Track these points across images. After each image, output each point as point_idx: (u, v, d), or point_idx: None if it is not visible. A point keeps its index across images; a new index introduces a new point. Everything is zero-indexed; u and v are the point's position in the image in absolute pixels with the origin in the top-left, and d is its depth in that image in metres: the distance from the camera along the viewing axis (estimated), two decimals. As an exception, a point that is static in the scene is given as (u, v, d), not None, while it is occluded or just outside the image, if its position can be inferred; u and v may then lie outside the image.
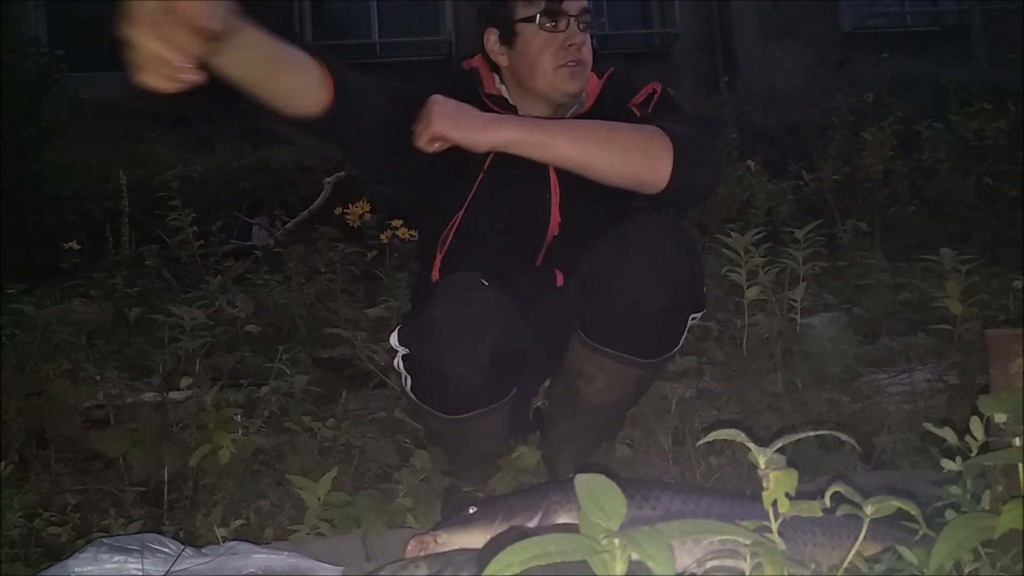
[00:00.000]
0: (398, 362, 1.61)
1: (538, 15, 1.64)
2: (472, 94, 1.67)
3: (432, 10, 9.47)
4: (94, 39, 8.94)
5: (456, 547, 1.28)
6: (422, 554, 1.29)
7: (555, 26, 1.64)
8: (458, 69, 1.78)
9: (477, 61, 1.75)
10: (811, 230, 2.50)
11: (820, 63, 8.96)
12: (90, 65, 8.16)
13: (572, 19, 1.64)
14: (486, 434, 1.65)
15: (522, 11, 1.65)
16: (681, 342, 1.63)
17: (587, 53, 1.67)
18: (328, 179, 5.92)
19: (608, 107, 1.70)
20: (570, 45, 1.63)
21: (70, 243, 3.98)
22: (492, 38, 1.70)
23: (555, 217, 1.68)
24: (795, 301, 2.44)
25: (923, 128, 4.86)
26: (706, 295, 1.63)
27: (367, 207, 3.81)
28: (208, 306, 2.62)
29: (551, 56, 1.64)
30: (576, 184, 1.60)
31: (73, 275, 3.78)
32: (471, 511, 1.35)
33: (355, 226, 3.84)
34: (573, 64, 1.64)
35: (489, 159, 1.63)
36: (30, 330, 2.56)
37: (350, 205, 3.82)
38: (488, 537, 1.27)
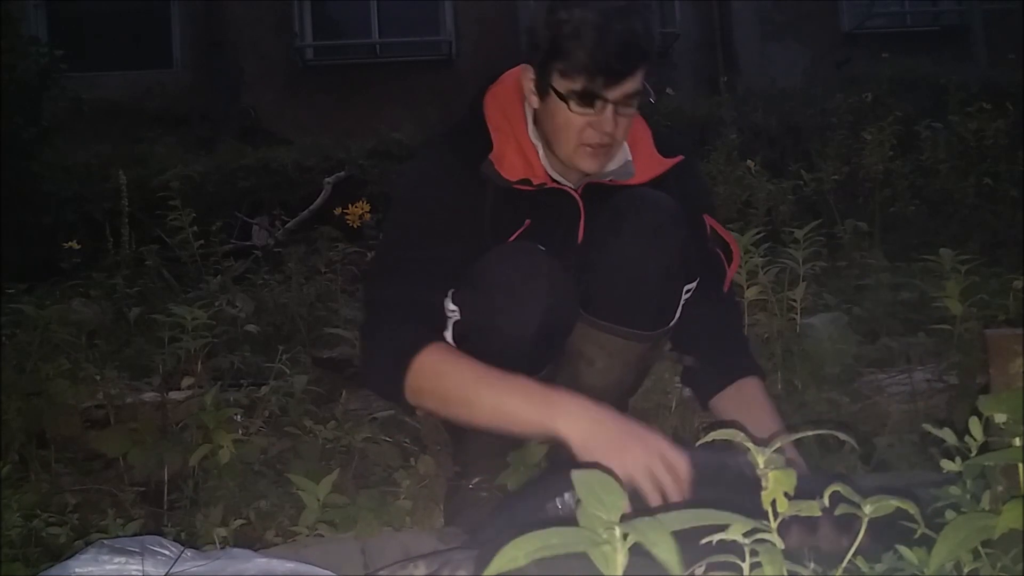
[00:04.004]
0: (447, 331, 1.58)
1: (571, 98, 1.48)
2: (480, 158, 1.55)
3: (432, 10, 9.47)
4: (94, 39, 8.97)
5: None
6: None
7: (588, 111, 1.49)
8: (476, 106, 1.63)
9: (512, 83, 1.61)
10: (811, 230, 2.51)
11: (820, 63, 8.95)
12: (90, 65, 8.18)
13: (610, 105, 1.47)
14: None
15: (558, 81, 1.48)
16: (676, 316, 1.64)
17: (622, 132, 1.54)
18: (328, 179, 5.94)
19: (673, 195, 1.61)
20: (599, 130, 1.50)
21: (70, 243, 3.97)
22: (528, 76, 1.55)
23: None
24: (795, 301, 2.44)
25: (923, 128, 4.86)
26: (697, 267, 1.63)
27: (367, 207, 3.80)
28: (208, 306, 2.62)
29: (575, 133, 1.51)
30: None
31: (73, 275, 3.77)
32: None
33: (355, 226, 3.83)
34: (596, 146, 1.52)
35: (524, 227, 1.60)
36: (30, 330, 2.55)
37: (350, 205, 3.81)
38: None
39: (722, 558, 0.77)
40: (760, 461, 0.82)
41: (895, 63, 7.26)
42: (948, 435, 1.03)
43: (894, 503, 0.86)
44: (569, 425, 1.32)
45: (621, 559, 0.60)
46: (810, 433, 0.96)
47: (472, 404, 1.43)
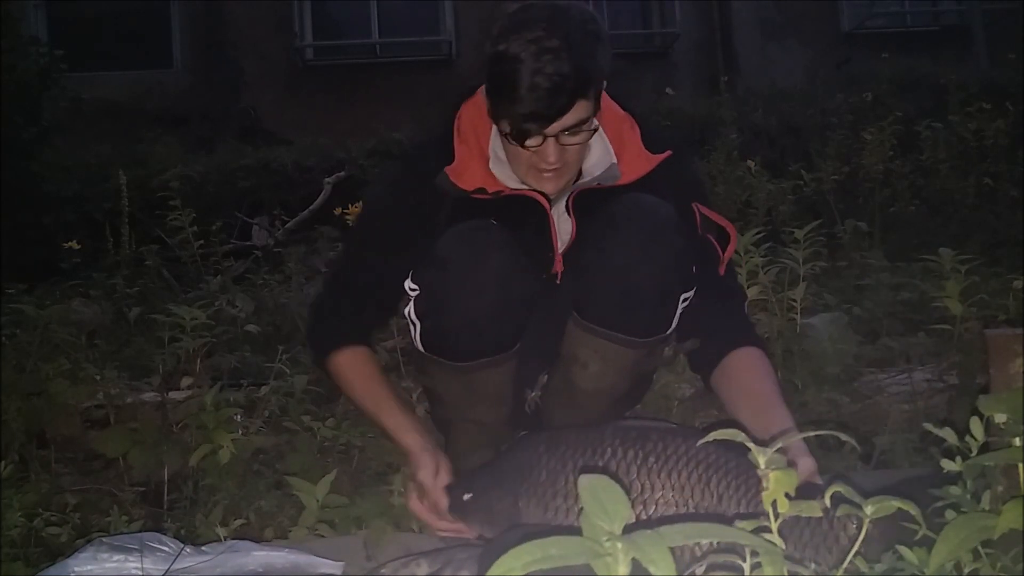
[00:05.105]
0: (409, 310, 1.64)
1: (507, 132, 1.50)
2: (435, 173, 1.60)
3: (432, 10, 9.47)
4: (94, 39, 8.97)
5: None
6: None
7: (524, 146, 1.51)
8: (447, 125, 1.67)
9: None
10: (811, 230, 2.51)
11: (820, 63, 8.94)
12: (90, 65, 8.17)
13: (550, 139, 1.49)
14: (488, 396, 1.65)
15: (500, 118, 1.52)
16: (674, 324, 1.63)
17: (572, 157, 1.55)
18: (328, 179, 5.93)
19: (663, 191, 1.61)
20: (544, 159, 1.52)
21: (70, 243, 3.97)
22: (487, 100, 1.56)
23: (559, 261, 1.67)
24: (795, 301, 2.44)
25: (923, 128, 4.85)
26: (695, 275, 1.62)
27: (367, 207, 3.80)
28: (208, 306, 2.62)
29: (524, 159, 1.54)
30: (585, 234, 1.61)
31: (73, 275, 3.77)
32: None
33: (355, 226, 3.83)
34: (548, 171, 1.54)
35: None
36: (30, 330, 2.55)
37: (350, 205, 3.79)
38: None
39: (723, 558, 0.77)
40: (761, 461, 0.82)
41: (895, 63, 7.26)
42: (948, 435, 1.03)
43: (895, 504, 0.86)
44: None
45: (623, 570, 0.59)
46: (810, 434, 0.96)
47: (361, 410, 1.74)
